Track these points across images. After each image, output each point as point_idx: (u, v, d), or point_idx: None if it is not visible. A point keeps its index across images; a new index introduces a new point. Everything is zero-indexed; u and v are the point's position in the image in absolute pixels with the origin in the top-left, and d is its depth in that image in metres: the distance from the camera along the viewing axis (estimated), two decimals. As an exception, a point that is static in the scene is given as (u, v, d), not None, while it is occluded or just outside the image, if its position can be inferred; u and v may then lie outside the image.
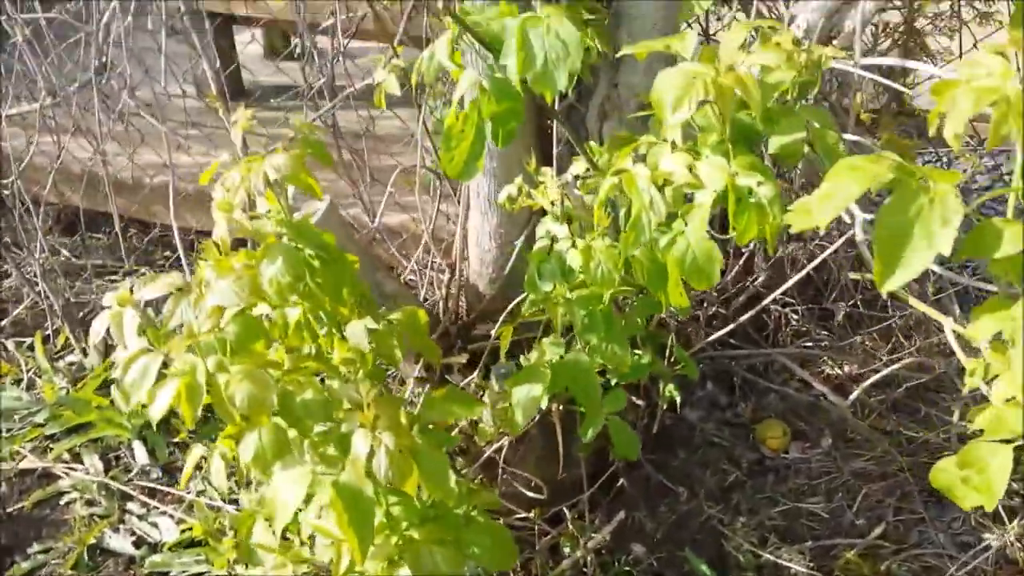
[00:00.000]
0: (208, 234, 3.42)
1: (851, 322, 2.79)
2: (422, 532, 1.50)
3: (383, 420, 1.35)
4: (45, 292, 3.11)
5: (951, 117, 0.86)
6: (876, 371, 2.41)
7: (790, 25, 1.64)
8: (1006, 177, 3.10)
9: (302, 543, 1.69)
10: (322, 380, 1.64)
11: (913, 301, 0.86)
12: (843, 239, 2.13)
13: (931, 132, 0.87)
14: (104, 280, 3.47)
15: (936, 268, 0.84)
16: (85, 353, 3.11)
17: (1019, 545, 2.08)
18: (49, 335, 3.22)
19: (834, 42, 1.61)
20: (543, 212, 1.72)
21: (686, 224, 1.19)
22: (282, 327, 1.60)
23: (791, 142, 1.16)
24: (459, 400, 1.51)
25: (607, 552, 2.25)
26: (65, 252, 3.62)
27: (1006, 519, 2.13)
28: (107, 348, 3.10)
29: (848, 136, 1.25)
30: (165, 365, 1.45)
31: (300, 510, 1.46)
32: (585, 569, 2.16)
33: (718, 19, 2.63)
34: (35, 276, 3.14)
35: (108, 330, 1.52)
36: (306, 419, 1.45)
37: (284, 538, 1.68)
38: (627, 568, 2.23)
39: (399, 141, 3.02)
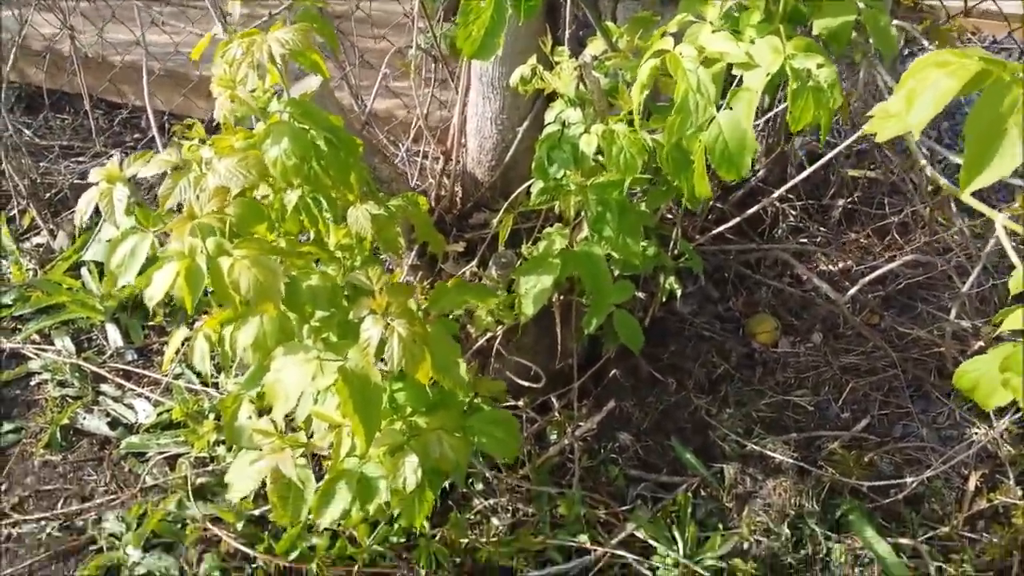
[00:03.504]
0: (180, 117, 3.29)
1: (847, 218, 2.78)
2: (429, 419, 1.47)
3: (395, 307, 1.29)
4: (9, 172, 2.99)
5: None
6: (872, 268, 2.40)
7: None
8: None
9: (294, 428, 1.64)
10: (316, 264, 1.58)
11: (967, 198, 0.82)
12: (852, 138, 2.08)
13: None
14: (71, 161, 3.33)
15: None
16: (53, 234, 3.01)
17: (1004, 439, 2.11)
18: (14, 216, 3.11)
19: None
20: (550, 97, 1.65)
21: (718, 109, 1.13)
22: (279, 211, 1.53)
23: (840, 24, 1.09)
24: (471, 290, 1.46)
25: (593, 439, 2.26)
26: (28, 132, 3.46)
27: (992, 415, 2.15)
28: (75, 230, 3.00)
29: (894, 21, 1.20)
30: (153, 246, 1.39)
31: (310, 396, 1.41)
32: (571, 456, 2.16)
33: None
34: (-1, 155, 3.01)
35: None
36: (311, 305, 1.40)
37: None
38: (613, 455, 2.24)
39: (384, 24, 2.89)
